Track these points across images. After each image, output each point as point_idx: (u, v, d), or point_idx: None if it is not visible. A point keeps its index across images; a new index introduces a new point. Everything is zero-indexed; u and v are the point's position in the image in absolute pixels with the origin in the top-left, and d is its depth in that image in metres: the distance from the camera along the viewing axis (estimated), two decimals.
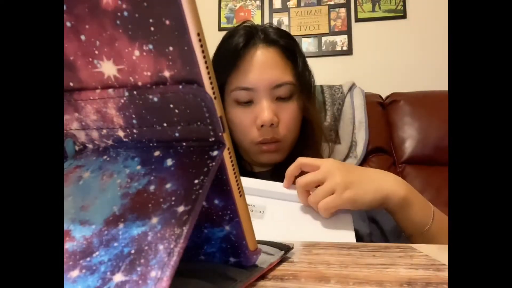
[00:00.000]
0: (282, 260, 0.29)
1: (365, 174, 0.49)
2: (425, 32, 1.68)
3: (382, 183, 0.48)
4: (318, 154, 0.70)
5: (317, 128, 0.71)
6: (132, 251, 0.16)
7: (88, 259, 0.17)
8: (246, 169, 0.71)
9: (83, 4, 0.18)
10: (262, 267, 0.24)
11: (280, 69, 0.64)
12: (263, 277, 0.24)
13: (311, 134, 0.71)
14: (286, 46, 0.67)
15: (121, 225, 0.18)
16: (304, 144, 0.70)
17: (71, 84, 0.21)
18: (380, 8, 1.76)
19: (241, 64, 0.64)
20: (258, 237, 0.25)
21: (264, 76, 0.63)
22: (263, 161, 0.67)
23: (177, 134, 0.20)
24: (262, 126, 0.62)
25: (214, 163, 0.19)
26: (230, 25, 1.87)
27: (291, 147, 0.68)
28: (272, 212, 0.50)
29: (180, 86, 0.18)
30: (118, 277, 0.16)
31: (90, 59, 0.19)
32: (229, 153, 0.20)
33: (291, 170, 0.51)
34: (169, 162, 0.20)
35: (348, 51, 1.77)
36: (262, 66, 0.63)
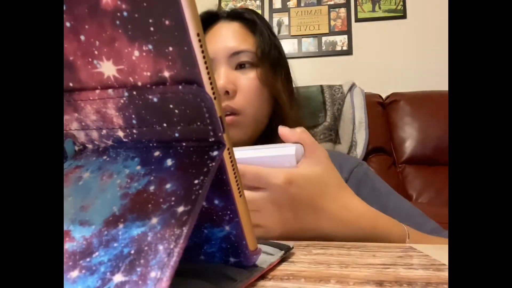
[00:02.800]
0: (282, 260, 0.29)
1: (319, 206, 0.38)
2: (425, 32, 1.68)
3: (326, 224, 0.39)
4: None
5: (285, 114, 0.64)
6: (132, 252, 0.16)
7: (87, 259, 0.17)
8: None
9: (82, 5, 0.18)
10: (262, 267, 0.24)
11: (240, 39, 0.62)
12: (263, 277, 0.24)
13: (280, 117, 0.63)
14: (249, 19, 0.65)
15: (120, 226, 0.18)
16: (273, 127, 0.60)
17: (71, 84, 0.21)
18: (380, 8, 1.76)
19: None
20: None
21: (222, 45, 0.61)
22: None
23: (177, 134, 0.20)
24: None
25: (214, 163, 0.19)
26: None
27: (256, 126, 0.62)
28: None
29: (180, 87, 0.18)
30: (118, 278, 0.16)
31: (90, 59, 0.19)
32: (229, 153, 0.20)
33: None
34: (169, 162, 0.20)
35: (348, 51, 1.77)
36: (222, 37, 0.62)
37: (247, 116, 0.60)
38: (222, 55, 0.60)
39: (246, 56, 0.61)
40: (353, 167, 0.63)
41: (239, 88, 0.59)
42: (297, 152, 0.39)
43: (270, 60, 0.64)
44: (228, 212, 0.22)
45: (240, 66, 0.61)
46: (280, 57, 0.67)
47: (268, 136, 0.64)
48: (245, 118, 0.59)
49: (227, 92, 0.58)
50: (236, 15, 0.65)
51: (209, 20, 0.65)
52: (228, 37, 0.62)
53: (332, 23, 1.81)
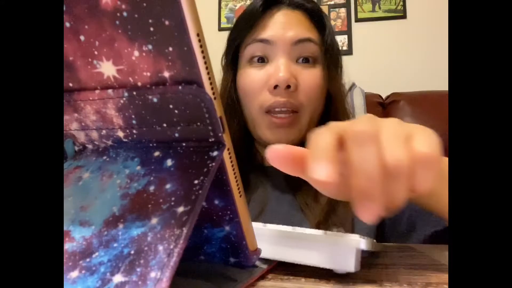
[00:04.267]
0: None
1: None
2: (425, 32, 1.68)
3: None
4: None
5: (342, 111, 0.58)
6: (132, 252, 0.16)
7: (87, 259, 0.17)
8: (256, 161, 0.60)
9: (82, 5, 0.18)
10: (262, 267, 0.24)
11: (304, 27, 0.55)
12: (263, 277, 0.24)
13: (334, 114, 0.57)
14: (313, 9, 0.58)
15: (120, 226, 0.18)
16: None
17: (71, 84, 0.21)
18: (380, 8, 1.76)
19: (260, 22, 0.56)
20: None
21: (284, 31, 0.54)
22: (270, 138, 0.53)
23: (176, 135, 0.20)
24: (275, 87, 0.51)
25: (214, 164, 0.19)
26: (230, 25, 1.87)
27: (309, 126, 0.54)
28: None
29: (180, 87, 0.18)
30: (118, 278, 0.16)
31: (90, 60, 0.19)
32: (229, 154, 0.20)
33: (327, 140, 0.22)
34: (169, 162, 0.20)
35: (348, 51, 1.76)
36: (283, 23, 0.55)
37: (304, 114, 0.54)
38: (284, 43, 0.53)
39: (310, 48, 0.54)
40: None
41: (300, 83, 0.53)
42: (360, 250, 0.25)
43: (333, 55, 0.58)
44: (228, 212, 0.22)
45: (302, 61, 0.55)
46: (339, 53, 0.62)
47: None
48: (302, 118, 0.54)
49: (288, 87, 0.51)
50: (299, 5, 0.58)
51: (267, 3, 0.57)
52: (291, 24, 0.55)
53: (332, 23, 1.81)
